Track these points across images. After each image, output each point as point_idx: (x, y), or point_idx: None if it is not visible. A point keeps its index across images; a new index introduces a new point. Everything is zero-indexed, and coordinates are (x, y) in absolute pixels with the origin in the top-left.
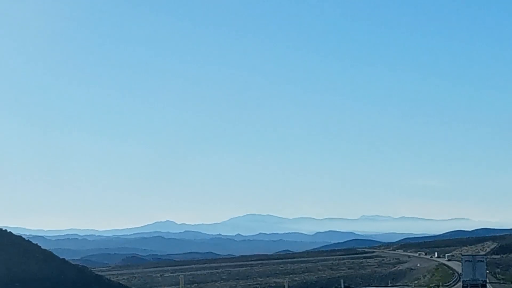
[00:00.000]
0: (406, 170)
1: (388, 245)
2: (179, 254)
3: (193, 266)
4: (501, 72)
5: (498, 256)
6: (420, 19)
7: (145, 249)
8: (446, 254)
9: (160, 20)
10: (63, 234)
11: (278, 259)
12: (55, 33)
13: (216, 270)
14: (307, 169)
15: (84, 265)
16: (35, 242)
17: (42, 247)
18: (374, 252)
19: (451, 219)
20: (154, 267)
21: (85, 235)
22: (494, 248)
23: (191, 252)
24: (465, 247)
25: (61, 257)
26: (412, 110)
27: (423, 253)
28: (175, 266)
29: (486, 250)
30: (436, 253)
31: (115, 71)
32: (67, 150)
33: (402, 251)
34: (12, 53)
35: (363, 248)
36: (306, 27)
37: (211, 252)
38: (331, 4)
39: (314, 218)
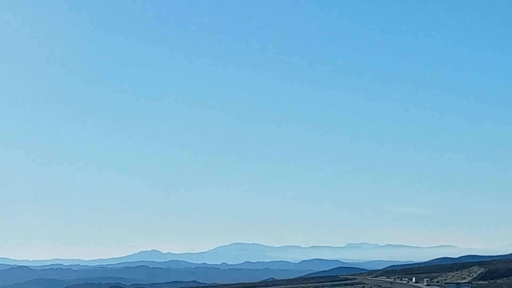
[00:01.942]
0: (392, 198)
1: (372, 272)
2: (163, 283)
3: None
4: (484, 101)
5: (486, 282)
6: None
7: (126, 278)
8: (425, 279)
9: (154, 56)
10: (47, 264)
11: (260, 287)
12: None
13: None
14: (293, 198)
15: None
16: (19, 272)
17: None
18: (355, 278)
19: (437, 246)
20: None
21: (70, 265)
22: (481, 273)
23: (176, 281)
24: (450, 273)
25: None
26: (399, 139)
27: (406, 279)
28: None
29: (472, 275)
30: (414, 278)
31: (106, 107)
32: (53, 182)
33: (385, 277)
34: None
35: (345, 275)
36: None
37: (195, 281)
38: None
39: (300, 247)
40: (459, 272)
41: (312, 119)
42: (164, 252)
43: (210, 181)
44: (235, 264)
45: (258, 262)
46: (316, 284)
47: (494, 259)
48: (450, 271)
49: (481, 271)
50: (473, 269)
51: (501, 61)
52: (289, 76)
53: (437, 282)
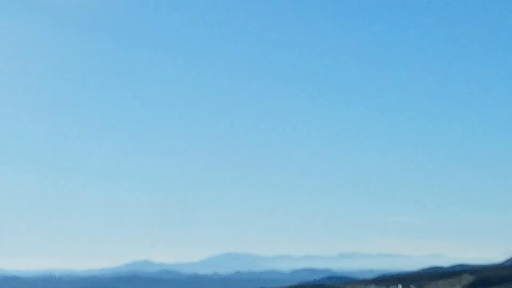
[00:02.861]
0: (383, 207)
1: (361, 281)
2: None
3: None
4: (476, 111)
5: None
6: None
7: None
8: (410, 285)
9: (156, 61)
10: (39, 274)
11: None
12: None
13: None
14: (285, 208)
15: None
16: (11, 282)
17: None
18: (345, 287)
19: (428, 255)
20: None
21: (62, 275)
22: (472, 281)
23: None
24: (440, 281)
25: None
26: (390, 148)
27: (394, 286)
28: None
29: (463, 283)
30: (400, 286)
31: (102, 114)
32: (45, 191)
33: (373, 285)
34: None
35: (333, 283)
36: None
37: None
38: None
39: (291, 256)
40: (449, 280)
41: (304, 127)
42: (156, 261)
43: (202, 191)
44: (227, 274)
45: (250, 271)
46: None
47: (485, 268)
48: (440, 279)
49: (472, 279)
50: (463, 277)
51: (492, 68)
52: (284, 86)
53: None
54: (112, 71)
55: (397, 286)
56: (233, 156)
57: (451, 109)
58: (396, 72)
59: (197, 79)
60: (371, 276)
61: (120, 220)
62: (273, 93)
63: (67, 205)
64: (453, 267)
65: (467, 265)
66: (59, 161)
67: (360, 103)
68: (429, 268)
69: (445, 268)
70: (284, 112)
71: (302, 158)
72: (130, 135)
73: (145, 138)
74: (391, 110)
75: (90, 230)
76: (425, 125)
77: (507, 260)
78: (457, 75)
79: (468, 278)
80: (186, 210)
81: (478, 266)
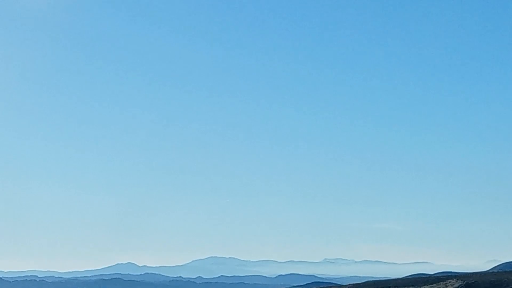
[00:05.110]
0: (369, 214)
1: (343, 286)
2: None
3: None
4: (454, 122)
5: None
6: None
7: None
8: None
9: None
10: (22, 275)
11: None
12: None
13: None
14: (270, 212)
15: None
16: None
17: None
18: None
19: (414, 262)
20: None
21: (45, 277)
22: (458, 286)
23: None
24: (425, 286)
25: None
26: (375, 156)
27: None
28: None
29: None
30: None
31: (81, 120)
32: (28, 193)
33: None
34: None
35: None
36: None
37: None
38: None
39: (276, 261)
40: (434, 285)
41: (291, 132)
42: (140, 265)
43: (187, 194)
44: (211, 278)
45: (234, 276)
46: None
47: (472, 274)
48: (425, 284)
49: (458, 284)
50: (449, 282)
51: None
52: (267, 95)
53: None
54: (75, 74)
55: None
56: (220, 161)
57: (436, 120)
58: (380, 78)
59: (179, 88)
60: (356, 282)
61: (104, 223)
62: (252, 101)
63: (51, 208)
64: (439, 274)
65: (453, 273)
66: (40, 163)
67: (350, 109)
68: (414, 275)
69: (430, 275)
70: (270, 117)
71: (288, 164)
72: (117, 139)
73: (129, 142)
74: (377, 119)
75: (74, 233)
76: (411, 134)
77: (493, 268)
78: (437, 89)
79: (454, 284)
80: (171, 213)
81: (464, 273)
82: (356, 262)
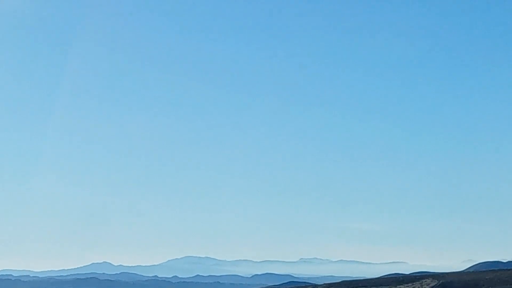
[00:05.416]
0: (345, 213)
1: (318, 286)
2: None
3: None
4: (432, 122)
5: None
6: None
7: None
8: None
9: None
10: None
11: None
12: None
13: None
14: (246, 212)
15: None
16: None
17: None
18: None
19: (390, 262)
20: None
21: (20, 276)
22: (434, 286)
23: None
24: (401, 286)
25: None
26: (350, 155)
27: None
28: None
29: None
30: None
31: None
32: (3, 192)
33: None
34: None
35: None
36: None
37: None
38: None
39: (252, 261)
40: (410, 284)
41: (265, 132)
42: (116, 264)
43: (164, 194)
44: (186, 277)
45: (210, 275)
46: None
47: (448, 273)
48: (401, 284)
49: (434, 283)
50: (425, 281)
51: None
52: (235, 90)
53: None
54: (57, 70)
55: None
56: (195, 160)
57: (410, 119)
58: (362, 78)
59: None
60: (331, 282)
61: (80, 222)
62: (221, 99)
63: (26, 206)
64: (415, 273)
65: (429, 272)
66: (13, 160)
67: (327, 110)
68: (390, 274)
69: (406, 275)
70: (241, 116)
71: (264, 164)
72: (93, 136)
73: (105, 140)
74: (351, 118)
75: (49, 232)
76: (386, 133)
77: (469, 268)
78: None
79: (430, 283)
80: (147, 213)
81: (441, 272)
82: (332, 261)
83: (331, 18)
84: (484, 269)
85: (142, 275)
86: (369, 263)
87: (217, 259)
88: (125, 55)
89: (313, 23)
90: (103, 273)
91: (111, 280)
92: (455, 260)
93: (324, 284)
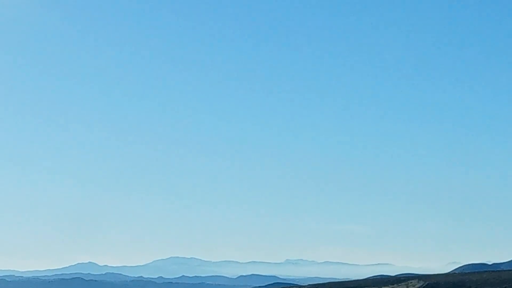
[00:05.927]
0: (331, 215)
1: (303, 287)
2: None
3: None
4: (419, 123)
5: None
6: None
7: None
8: None
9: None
10: None
11: None
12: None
13: None
14: (232, 213)
15: None
16: None
17: None
18: None
19: (375, 264)
20: None
21: (4, 276)
22: (420, 287)
23: None
24: (386, 287)
25: None
26: (337, 156)
27: None
28: None
29: None
30: None
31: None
32: None
33: None
34: None
35: None
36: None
37: None
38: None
39: (237, 262)
40: (395, 285)
41: (252, 133)
42: (101, 264)
43: (149, 194)
44: (172, 278)
45: (195, 276)
46: None
47: (433, 275)
48: (386, 285)
49: (420, 284)
50: (411, 282)
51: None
52: (212, 81)
53: None
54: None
55: None
56: (180, 160)
57: (394, 122)
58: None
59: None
60: (317, 283)
61: (65, 222)
62: (204, 90)
63: (11, 206)
64: (400, 275)
65: (414, 274)
66: (1, 160)
67: (316, 112)
68: (376, 276)
69: (392, 277)
70: (227, 113)
71: (249, 165)
72: (79, 136)
73: (89, 139)
74: (343, 120)
75: (34, 232)
76: (368, 136)
77: (454, 270)
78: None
79: (416, 284)
80: (132, 213)
81: (427, 274)
82: (318, 263)
83: (331, 18)
84: (468, 271)
85: (128, 276)
86: (355, 264)
87: (202, 260)
88: (125, 54)
89: (313, 23)
90: (89, 274)
91: (96, 281)
92: (440, 262)
93: (309, 285)
